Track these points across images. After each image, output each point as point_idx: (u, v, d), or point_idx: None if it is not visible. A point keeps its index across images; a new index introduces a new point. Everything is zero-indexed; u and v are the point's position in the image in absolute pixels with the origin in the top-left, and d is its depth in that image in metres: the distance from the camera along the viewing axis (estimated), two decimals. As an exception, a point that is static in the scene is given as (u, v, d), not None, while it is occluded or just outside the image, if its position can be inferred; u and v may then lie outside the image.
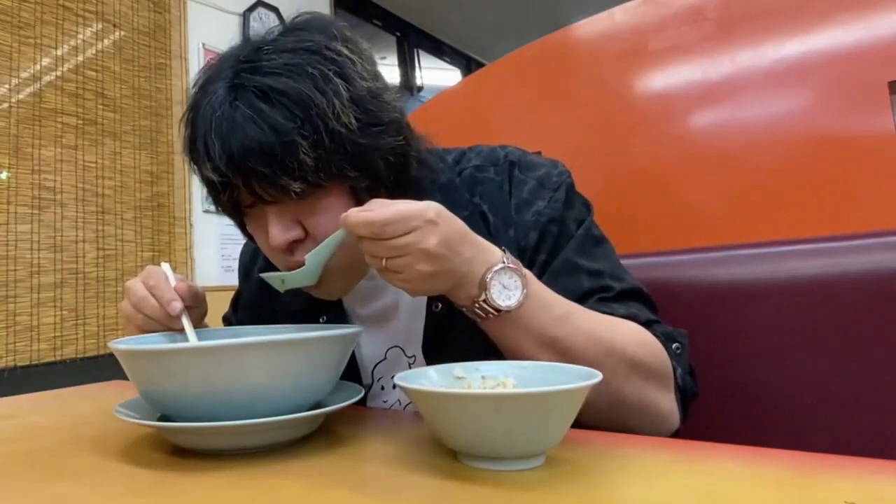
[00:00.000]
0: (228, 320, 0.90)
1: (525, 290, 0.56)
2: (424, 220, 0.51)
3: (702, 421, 0.70)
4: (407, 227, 0.51)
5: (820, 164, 0.95)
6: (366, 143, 0.59)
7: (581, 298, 0.64)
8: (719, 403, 0.80)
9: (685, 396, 0.64)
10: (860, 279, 0.74)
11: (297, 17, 0.64)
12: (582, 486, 0.40)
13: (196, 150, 0.59)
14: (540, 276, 0.65)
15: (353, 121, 0.57)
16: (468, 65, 5.20)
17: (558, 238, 0.67)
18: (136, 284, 0.62)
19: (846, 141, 0.94)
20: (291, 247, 0.61)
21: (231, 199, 0.61)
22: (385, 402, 0.74)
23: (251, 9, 3.17)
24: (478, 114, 1.41)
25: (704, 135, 1.08)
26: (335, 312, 0.74)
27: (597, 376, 0.44)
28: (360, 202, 0.60)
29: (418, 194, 0.68)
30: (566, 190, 0.69)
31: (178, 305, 0.60)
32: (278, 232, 0.60)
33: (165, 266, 0.64)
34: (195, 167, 0.62)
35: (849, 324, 0.74)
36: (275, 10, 3.26)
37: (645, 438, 0.52)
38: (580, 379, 0.44)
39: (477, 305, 0.55)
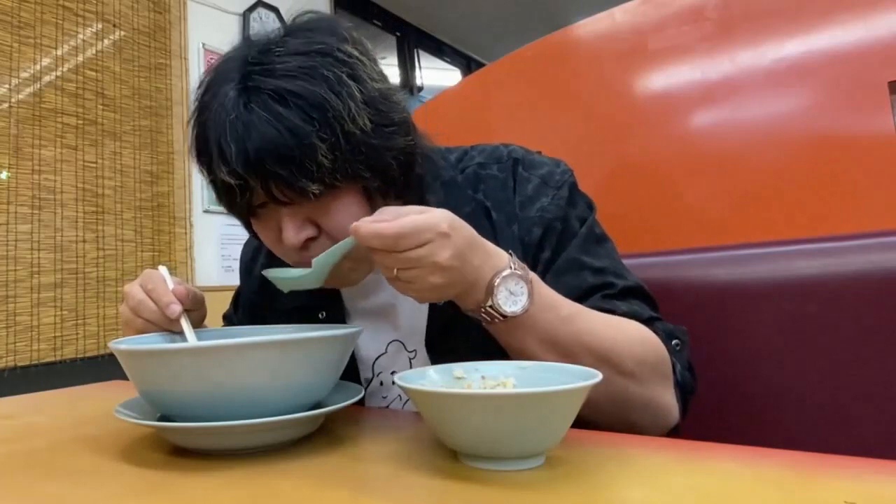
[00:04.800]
0: (229, 318, 0.90)
1: (530, 297, 0.56)
2: (437, 232, 0.51)
3: (702, 421, 0.70)
4: (419, 239, 0.50)
5: (820, 164, 0.95)
6: (379, 143, 0.60)
7: (585, 295, 0.65)
8: (719, 403, 0.80)
9: (684, 392, 0.65)
10: (860, 279, 0.74)
11: (298, 16, 0.63)
12: (582, 486, 0.40)
13: (208, 154, 0.58)
14: (544, 273, 0.66)
15: (368, 122, 0.58)
16: (468, 65, 5.19)
17: (562, 235, 0.68)
18: (134, 288, 0.62)
19: (846, 141, 0.94)
20: (305, 244, 0.62)
21: (245, 201, 0.61)
22: (385, 397, 0.74)
23: (251, 9, 3.17)
24: (478, 114, 1.41)
25: (704, 135, 1.07)
26: (334, 308, 0.74)
27: (596, 376, 0.44)
28: (371, 201, 0.62)
29: (421, 191, 0.69)
30: (569, 188, 0.70)
31: (176, 308, 0.60)
32: (293, 232, 0.60)
33: (163, 269, 0.64)
34: (205, 170, 0.61)
35: (849, 324, 0.74)
36: (275, 10, 3.26)
37: (645, 438, 0.52)
38: (580, 379, 0.44)
39: (483, 310, 0.56)
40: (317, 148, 0.55)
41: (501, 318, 0.55)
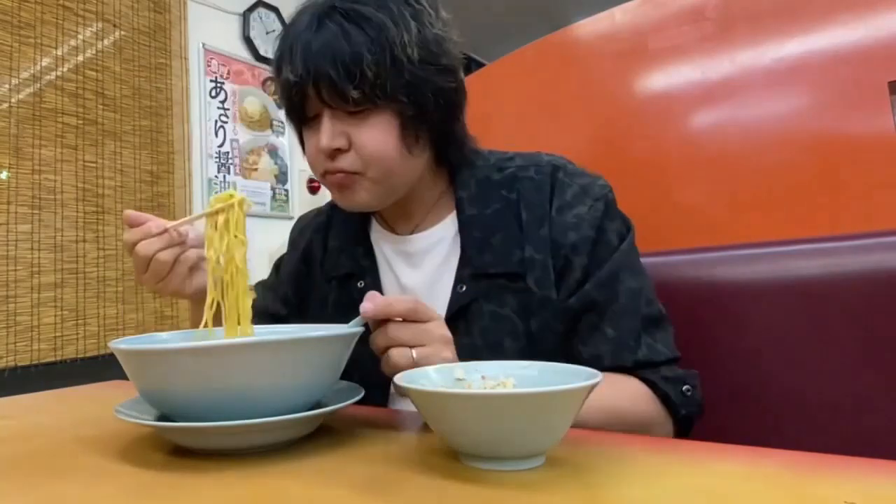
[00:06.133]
0: (265, 284, 0.94)
1: None
2: (436, 313, 0.57)
3: (702, 421, 0.70)
4: (429, 314, 0.57)
5: (820, 164, 0.95)
6: (422, 75, 0.68)
7: (614, 314, 0.69)
8: (719, 403, 0.80)
9: (687, 426, 0.70)
10: (860, 279, 0.74)
11: None
12: (582, 486, 0.40)
13: (282, 59, 0.68)
14: (582, 279, 0.70)
15: (416, 55, 0.66)
16: (468, 65, 5.19)
17: (597, 245, 0.71)
18: (132, 237, 0.70)
19: (846, 141, 0.94)
20: (333, 154, 0.69)
21: (300, 101, 0.70)
22: None
23: (251, 9, 3.17)
24: (478, 114, 1.40)
25: (704, 135, 1.08)
26: (371, 277, 0.79)
27: (597, 376, 0.44)
28: (403, 130, 0.69)
29: (457, 158, 0.78)
30: (606, 202, 0.73)
31: (167, 223, 0.70)
32: (327, 137, 0.68)
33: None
34: (278, 76, 0.71)
35: (849, 324, 0.74)
36: (275, 9, 3.26)
37: (645, 438, 0.52)
38: (580, 379, 0.44)
39: None
40: (363, 58, 0.64)
41: None
